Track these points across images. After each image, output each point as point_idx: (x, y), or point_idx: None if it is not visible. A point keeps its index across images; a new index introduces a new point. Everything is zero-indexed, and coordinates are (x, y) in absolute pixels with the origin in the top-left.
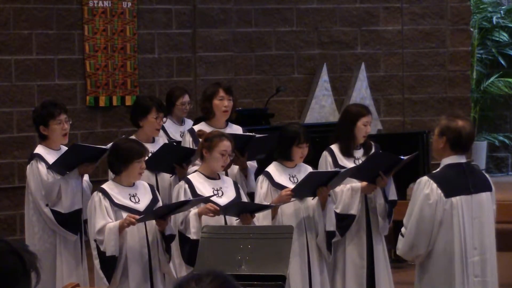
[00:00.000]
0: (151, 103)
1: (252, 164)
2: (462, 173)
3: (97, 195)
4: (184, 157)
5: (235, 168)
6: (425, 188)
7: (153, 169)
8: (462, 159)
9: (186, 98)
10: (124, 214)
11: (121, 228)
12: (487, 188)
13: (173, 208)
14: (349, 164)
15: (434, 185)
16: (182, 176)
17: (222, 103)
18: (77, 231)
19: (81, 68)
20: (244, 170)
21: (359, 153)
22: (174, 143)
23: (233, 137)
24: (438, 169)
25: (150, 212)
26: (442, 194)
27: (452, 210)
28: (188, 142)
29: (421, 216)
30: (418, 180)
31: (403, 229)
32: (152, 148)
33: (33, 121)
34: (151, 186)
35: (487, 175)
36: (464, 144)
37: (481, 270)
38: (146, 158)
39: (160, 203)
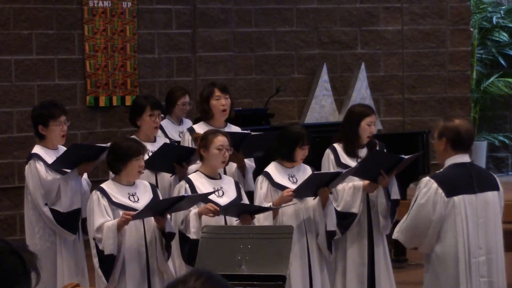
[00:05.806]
0: (145, 101)
1: (250, 164)
2: (466, 172)
3: (96, 194)
4: (184, 156)
5: (233, 167)
6: (425, 187)
7: (153, 169)
8: (465, 158)
9: (187, 98)
10: (122, 213)
11: (119, 226)
12: (494, 187)
13: (170, 204)
14: (352, 162)
15: (435, 185)
16: (182, 175)
17: (219, 102)
18: (75, 231)
19: (81, 68)
20: (241, 168)
21: (363, 152)
22: (175, 143)
23: (228, 135)
24: (441, 169)
25: (146, 209)
26: (443, 194)
27: (455, 209)
28: (187, 140)
29: (418, 216)
30: (420, 180)
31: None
32: (152, 147)
33: (31, 120)
34: (152, 185)
35: (494, 175)
36: (465, 142)
37: (487, 270)
38: (146, 157)
39: None
